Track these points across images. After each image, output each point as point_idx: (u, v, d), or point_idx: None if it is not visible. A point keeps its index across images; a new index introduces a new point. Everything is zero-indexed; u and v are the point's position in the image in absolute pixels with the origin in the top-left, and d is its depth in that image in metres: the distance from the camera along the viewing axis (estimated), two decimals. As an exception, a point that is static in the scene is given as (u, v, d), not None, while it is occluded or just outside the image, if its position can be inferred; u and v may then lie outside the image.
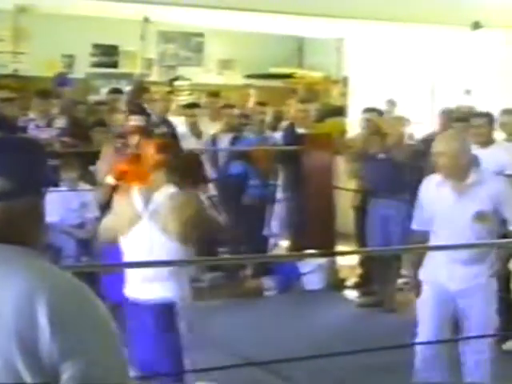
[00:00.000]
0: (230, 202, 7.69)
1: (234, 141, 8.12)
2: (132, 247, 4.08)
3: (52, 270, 1.72)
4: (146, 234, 4.02)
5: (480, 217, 4.44)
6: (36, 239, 1.80)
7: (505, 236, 4.58)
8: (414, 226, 4.77)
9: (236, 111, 8.40)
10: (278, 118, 9.52)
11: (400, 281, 7.77)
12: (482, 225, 4.43)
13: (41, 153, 1.88)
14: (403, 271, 7.80)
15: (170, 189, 4.08)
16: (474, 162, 4.68)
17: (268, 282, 7.80)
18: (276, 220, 8.65)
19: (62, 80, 10.12)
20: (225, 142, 8.15)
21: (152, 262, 4.00)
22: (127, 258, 4.12)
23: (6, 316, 1.59)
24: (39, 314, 1.59)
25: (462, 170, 4.45)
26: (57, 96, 8.50)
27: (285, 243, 8.67)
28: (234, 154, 8.07)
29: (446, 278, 4.51)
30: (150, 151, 4.24)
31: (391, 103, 9.14)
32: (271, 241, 8.58)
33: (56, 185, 1.85)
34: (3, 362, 1.59)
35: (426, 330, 4.58)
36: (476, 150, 5.30)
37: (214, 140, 8.20)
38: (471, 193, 4.45)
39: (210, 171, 7.89)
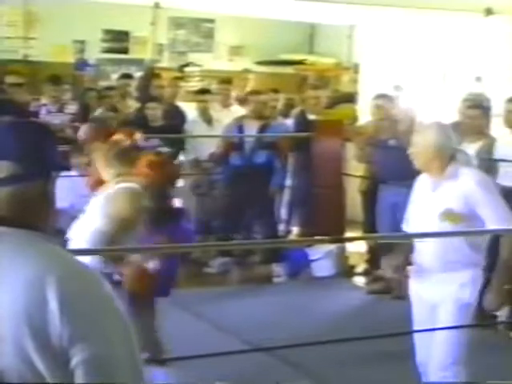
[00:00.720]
0: (254, 190, 7.67)
1: (263, 129, 7.92)
2: None
3: (62, 255, 1.73)
4: None
5: (448, 215, 4.13)
6: (45, 223, 1.80)
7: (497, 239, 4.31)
8: (404, 226, 4.49)
9: (264, 97, 8.23)
10: (290, 104, 9.48)
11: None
12: (451, 225, 4.12)
13: (50, 137, 1.88)
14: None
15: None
16: (458, 156, 4.24)
17: (277, 268, 7.82)
18: (285, 207, 8.68)
19: (81, 65, 10.16)
20: (253, 129, 7.91)
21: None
22: None
23: (17, 300, 1.60)
24: (49, 298, 1.59)
25: (435, 162, 4.16)
26: (71, 82, 8.53)
27: (295, 230, 8.68)
28: (261, 143, 7.90)
29: (420, 285, 4.32)
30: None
31: (398, 88, 9.07)
32: (281, 227, 8.59)
33: (67, 169, 1.86)
34: (14, 346, 1.60)
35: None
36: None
37: (240, 126, 7.98)
38: (444, 189, 4.16)
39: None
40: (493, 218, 4.09)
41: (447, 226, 4.14)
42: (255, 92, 8.28)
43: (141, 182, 4.31)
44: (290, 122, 8.65)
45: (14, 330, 1.59)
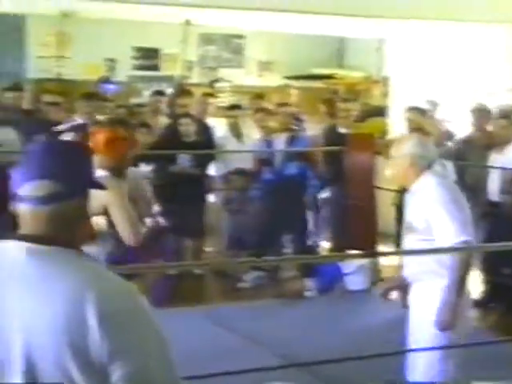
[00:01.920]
0: (287, 202, 7.71)
1: (291, 141, 7.99)
2: None
3: (101, 272, 1.77)
4: None
5: (410, 230, 4.13)
6: (82, 240, 1.84)
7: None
8: None
9: (291, 110, 8.27)
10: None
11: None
12: (415, 238, 4.09)
13: (87, 155, 1.93)
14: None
15: None
16: (435, 168, 4.23)
17: (309, 282, 7.81)
18: (317, 220, 8.70)
19: (105, 83, 10.26)
20: (281, 142, 8.00)
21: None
22: None
23: (58, 316, 1.63)
24: (89, 315, 1.62)
25: (409, 173, 4.11)
26: (100, 99, 8.61)
27: (326, 244, 8.68)
28: (290, 154, 7.97)
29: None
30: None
31: (433, 104, 9.05)
32: (313, 241, 8.60)
33: (103, 187, 1.91)
34: (54, 360, 1.63)
35: None
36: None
37: (268, 141, 8.07)
38: (411, 201, 4.16)
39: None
40: (442, 234, 3.98)
41: (412, 239, 4.13)
42: (282, 105, 8.33)
43: None
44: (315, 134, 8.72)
45: (54, 346, 1.62)
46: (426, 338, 4.10)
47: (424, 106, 8.51)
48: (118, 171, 4.40)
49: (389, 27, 9.68)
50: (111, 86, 10.25)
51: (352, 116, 8.36)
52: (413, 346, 4.19)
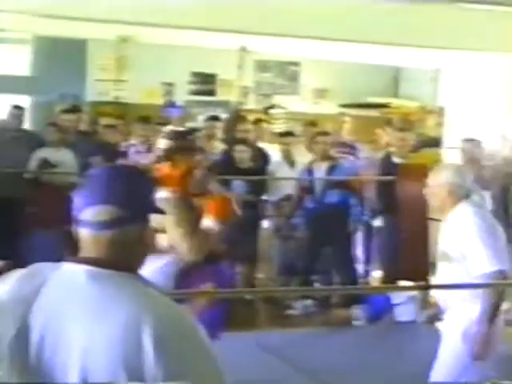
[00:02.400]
0: (326, 231, 7.74)
1: (331, 170, 8.04)
2: None
3: (158, 297, 1.77)
4: None
5: (444, 258, 4.16)
6: (141, 264, 1.86)
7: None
8: None
9: (330, 138, 8.34)
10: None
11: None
12: (449, 266, 4.12)
13: (149, 181, 1.96)
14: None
15: None
16: (473, 197, 4.24)
17: (357, 311, 7.77)
18: (366, 248, 8.67)
19: (169, 107, 10.39)
20: (321, 170, 8.04)
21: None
22: None
23: (114, 339, 1.64)
24: (145, 340, 1.63)
25: (447, 202, 4.16)
26: (159, 123, 8.71)
27: (376, 273, 8.63)
28: (330, 183, 8.01)
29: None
30: None
31: (504, 137, 8.82)
32: (361, 270, 8.58)
33: (162, 212, 1.92)
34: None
35: None
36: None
37: (309, 170, 8.12)
38: (446, 230, 4.19)
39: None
40: (476, 263, 4.00)
41: (446, 266, 4.15)
42: (322, 133, 8.35)
43: None
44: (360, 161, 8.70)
45: (110, 369, 1.63)
46: (456, 368, 4.07)
47: (495, 139, 8.44)
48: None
49: (444, 57, 9.64)
50: (175, 110, 10.38)
51: (407, 146, 8.32)
52: (439, 376, 4.14)
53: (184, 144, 4.98)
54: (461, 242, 4.05)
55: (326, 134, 8.35)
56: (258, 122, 9.55)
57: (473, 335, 4.01)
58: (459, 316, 4.10)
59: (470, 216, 4.10)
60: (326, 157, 7.99)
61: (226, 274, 4.99)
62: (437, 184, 4.20)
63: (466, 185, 4.20)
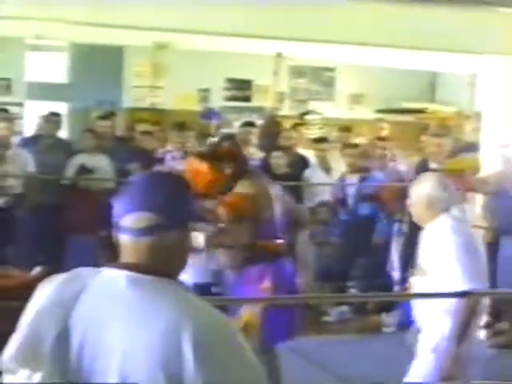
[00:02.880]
0: (358, 242, 7.75)
1: (362, 181, 8.04)
2: None
3: (196, 303, 1.77)
4: None
5: (419, 271, 4.08)
6: (180, 270, 1.87)
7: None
8: None
9: (360, 150, 8.33)
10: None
11: None
12: (423, 280, 4.05)
13: (188, 189, 1.96)
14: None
15: None
16: (453, 211, 4.07)
17: (388, 318, 7.71)
18: (401, 256, 8.64)
19: (208, 113, 10.42)
20: (353, 182, 8.07)
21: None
22: None
23: (154, 345, 1.64)
24: (184, 346, 1.63)
25: (426, 214, 4.06)
26: (198, 128, 8.74)
27: (411, 280, 8.57)
28: (362, 195, 8.02)
29: None
30: None
31: None
32: (395, 276, 8.54)
33: (205, 220, 1.91)
34: None
35: None
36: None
37: (343, 181, 8.15)
38: (424, 242, 4.10)
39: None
40: (449, 279, 3.90)
41: (420, 280, 4.11)
42: (350, 146, 8.33)
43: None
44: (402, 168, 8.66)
45: (150, 375, 1.63)
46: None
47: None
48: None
49: (481, 62, 9.56)
50: (214, 117, 10.41)
51: (444, 151, 8.26)
52: None
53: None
54: (435, 256, 3.96)
55: (355, 146, 8.34)
56: (296, 126, 9.54)
57: (442, 352, 3.93)
58: (432, 331, 4.03)
59: (448, 231, 4.00)
60: (355, 169, 7.99)
61: (287, 271, 4.88)
62: (416, 195, 4.12)
63: (446, 197, 4.07)
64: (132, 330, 1.67)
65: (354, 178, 8.05)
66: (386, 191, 7.99)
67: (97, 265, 1.85)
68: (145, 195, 1.83)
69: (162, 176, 2.08)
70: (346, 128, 9.30)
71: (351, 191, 8.07)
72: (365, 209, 7.93)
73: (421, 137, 9.20)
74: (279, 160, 7.96)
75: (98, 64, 10.53)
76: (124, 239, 1.82)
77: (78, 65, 10.79)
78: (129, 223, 1.81)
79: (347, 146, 8.35)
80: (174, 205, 1.84)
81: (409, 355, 6.63)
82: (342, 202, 8.07)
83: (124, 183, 5.32)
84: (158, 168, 7.63)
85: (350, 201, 8.03)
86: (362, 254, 7.96)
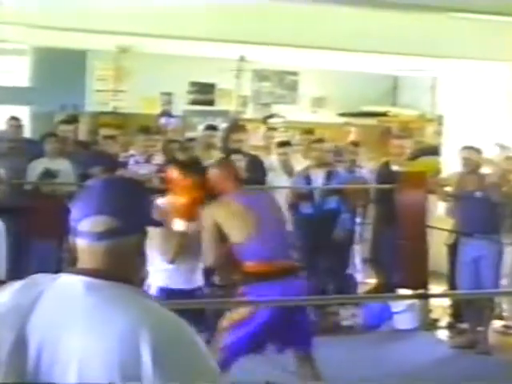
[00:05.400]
0: (323, 236, 7.74)
1: (329, 176, 8.03)
2: None
3: (155, 308, 1.76)
4: None
5: None
6: (137, 275, 1.87)
7: None
8: None
9: (327, 146, 8.37)
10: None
11: (499, 323, 7.68)
12: None
13: (145, 193, 1.98)
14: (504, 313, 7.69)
15: None
16: None
17: (351, 319, 7.76)
18: (361, 258, 8.69)
19: (165, 116, 10.38)
20: (319, 177, 8.03)
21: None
22: None
23: (111, 351, 1.63)
24: (143, 352, 1.62)
25: None
26: (158, 133, 8.70)
27: (372, 281, 8.64)
28: (328, 190, 8.00)
29: None
30: None
31: (502, 147, 8.78)
32: (357, 278, 8.57)
33: (161, 225, 1.94)
34: None
35: None
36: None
37: (307, 175, 8.13)
38: None
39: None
40: None
41: None
42: (318, 141, 8.35)
43: None
44: (365, 172, 8.73)
45: (106, 380, 1.61)
46: None
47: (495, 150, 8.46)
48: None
49: (442, 66, 9.65)
50: (172, 120, 10.38)
51: (405, 153, 8.32)
52: None
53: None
54: None
55: (321, 141, 8.37)
56: (261, 131, 9.55)
57: None
58: None
59: None
60: (322, 164, 7.99)
61: (275, 294, 4.63)
62: None
63: None
64: (89, 335, 1.65)
65: (318, 173, 8.02)
66: (350, 187, 8.04)
67: (61, 270, 1.82)
68: (102, 199, 1.82)
69: (119, 180, 2.13)
70: (309, 131, 9.33)
71: (316, 185, 7.99)
72: (331, 203, 7.91)
73: (383, 140, 9.26)
74: (239, 163, 7.90)
75: (61, 68, 10.45)
76: (81, 244, 1.81)
77: (40, 68, 10.70)
78: (86, 227, 1.80)
79: (315, 141, 8.36)
80: (131, 209, 1.84)
81: (379, 355, 6.69)
82: (306, 196, 8.02)
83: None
84: (120, 172, 7.57)
85: (317, 195, 7.95)
86: (325, 249, 7.85)
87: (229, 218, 4.74)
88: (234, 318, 4.66)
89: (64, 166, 7.76)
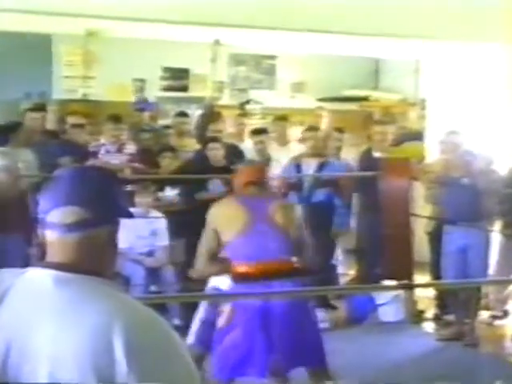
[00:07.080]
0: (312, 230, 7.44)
1: (322, 167, 7.70)
2: None
3: (127, 302, 1.74)
4: None
5: None
6: (109, 268, 1.84)
7: None
8: None
9: (321, 134, 8.05)
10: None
11: (486, 314, 7.58)
12: None
13: (116, 183, 1.95)
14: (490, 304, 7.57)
15: None
16: None
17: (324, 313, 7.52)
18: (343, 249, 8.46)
19: (141, 103, 10.10)
20: (311, 167, 7.71)
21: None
22: None
23: (83, 346, 1.60)
24: (116, 347, 1.60)
25: None
26: (133, 120, 8.47)
27: (354, 272, 8.51)
28: (319, 181, 7.69)
29: None
30: None
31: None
32: (339, 270, 8.34)
33: (132, 216, 1.85)
34: None
35: None
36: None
37: (298, 165, 7.78)
38: None
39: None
40: None
41: None
42: (312, 128, 8.03)
43: None
44: (351, 159, 8.43)
45: (80, 376, 1.58)
46: None
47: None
48: None
49: (425, 48, 9.43)
50: (147, 107, 10.08)
51: (388, 139, 8.06)
52: None
53: None
54: None
55: (314, 128, 8.06)
56: (236, 117, 9.27)
57: None
58: None
59: None
60: (316, 153, 7.65)
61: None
62: None
63: None
64: (60, 331, 1.63)
65: (310, 163, 7.67)
66: (342, 178, 7.76)
67: (28, 265, 1.79)
68: (72, 189, 1.78)
69: (89, 169, 2.07)
70: (282, 117, 9.00)
71: (306, 176, 7.69)
72: (319, 196, 7.59)
73: (365, 126, 9.03)
74: (217, 152, 7.56)
75: (25, 53, 10.08)
76: (50, 236, 1.78)
77: (3, 54, 10.30)
78: (55, 219, 1.76)
79: (308, 129, 8.03)
80: (102, 199, 1.81)
81: (366, 349, 6.53)
82: (296, 186, 7.67)
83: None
84: (91, 162, 7.33)
85: (306, 186, 7.64)
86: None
87: (224, 216, 4.60)
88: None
89: (25, 157, 7.42)
